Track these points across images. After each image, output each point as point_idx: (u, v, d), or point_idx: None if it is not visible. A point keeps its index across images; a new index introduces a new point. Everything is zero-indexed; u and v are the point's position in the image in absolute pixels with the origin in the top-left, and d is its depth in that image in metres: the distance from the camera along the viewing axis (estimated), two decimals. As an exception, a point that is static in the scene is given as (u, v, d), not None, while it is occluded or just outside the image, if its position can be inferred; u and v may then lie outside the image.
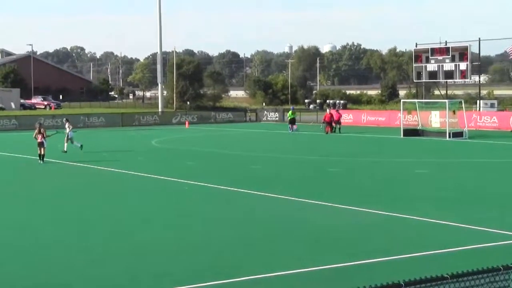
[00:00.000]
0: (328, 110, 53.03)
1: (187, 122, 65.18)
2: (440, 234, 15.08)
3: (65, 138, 34.50)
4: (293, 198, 19.96)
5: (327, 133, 49.36)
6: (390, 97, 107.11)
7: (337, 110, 56.99)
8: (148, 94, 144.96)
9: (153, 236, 15.17)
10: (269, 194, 20.77)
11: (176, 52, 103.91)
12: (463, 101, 49.19)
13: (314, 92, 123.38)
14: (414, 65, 51.27)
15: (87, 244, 14.48)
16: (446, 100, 46.31)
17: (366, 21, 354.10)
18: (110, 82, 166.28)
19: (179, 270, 12.22)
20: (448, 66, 47.79)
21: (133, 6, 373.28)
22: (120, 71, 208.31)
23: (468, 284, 6.14)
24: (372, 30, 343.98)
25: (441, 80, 50.28)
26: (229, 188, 22.30)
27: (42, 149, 30.36)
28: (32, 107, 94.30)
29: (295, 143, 42.94)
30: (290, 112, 55.24)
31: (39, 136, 30.32)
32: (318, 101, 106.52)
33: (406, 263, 12.51)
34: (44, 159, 30.54)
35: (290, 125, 53.33)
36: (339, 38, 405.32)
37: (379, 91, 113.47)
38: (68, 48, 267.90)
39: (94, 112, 77.22)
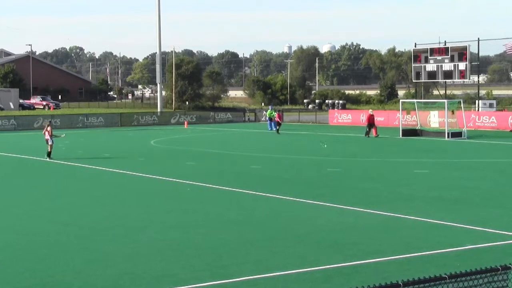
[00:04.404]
0: (370, 111, 48.71)
1: (186, 122, 65.21)
2: (439, 234, 15.10)
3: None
4: (293, 198, 19.99)
5: (375, 136, 44.75)
6: (389, 97, 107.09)
7: (279, 111, 55.31)
8: (147, 94, 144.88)
9: (153, 237, 15.20)
10: (269, 194, 20.81)
11: (175, 52, 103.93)
12: (462, 101, 49.23)
13: (313, 92, 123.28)
14: (413, 65, 51.32)
15: (87, 245, 14.50)
16: (445, 100, 46.36)
17: (365, 21, 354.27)
18: (109, 82, 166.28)
19: (179, 270, 12.25)
20: (447, 66, 47.84)
21: (132, 6, 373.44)
22: (119, 71, 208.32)
23: (466, 284, 6.17)
24: (371, 30, 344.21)
25: (440, 80, 50.33)
26: (229, 188, 22.33)
27: (47, 146, 32.10)
28: (31, 107, 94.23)
29: (294, 143, 42.93)
30: (269, 111, 55.66)
31: (46, 133, 32.03)
32: (317, 101, 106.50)
33: (405, 263, 12.54)
34: (50, 156, 32.01)
35: (269, 122, 53.98)
36: (338, 38, 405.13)
37: (378, 91, 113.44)
38: (67, 48, 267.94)
39: (93, 112, 77.25)
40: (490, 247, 13.82)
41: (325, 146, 34.44)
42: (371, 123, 45.63)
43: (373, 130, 45.28)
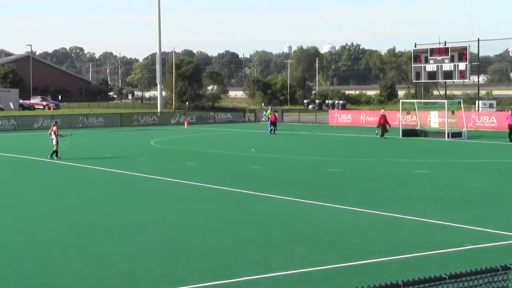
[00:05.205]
0: (382, 111, 47.69)
1: (186, 123, 65.21)
2: (439, 234, 15.09)
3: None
4: (293, 199, 19.97)
5: (382, 137, 44.37)
6: (389, 97, 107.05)
7: (275, 111, 53.50)
8: (147, 94, 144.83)
9: (152, 237, 15.18)
10: (269, 194, 20.79)
11: (175, 52, 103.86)
12: (462, 101, 49.23)
13: (313, 92, 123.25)
14: (413, 65, 51.29)
15: (86, 245, 14.49)
16: (445, 100, 46.35)
17: (365, 21, 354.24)
18: (109, 82, 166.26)
19: (178, 271, 12.24)
20: (447, 66, 47.82)
21: (132, 6, 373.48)
22: (119, 71, 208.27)
23: (466, 285, 6.16)
24: (371, 30, 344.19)
25: (440, 81, 50.31)
26: (228, 188, 22.31)
27: (53, 146, 32.28)
28: (31, 107, 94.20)
29: (294, 143, 42.94)
30: (269, 111, 54.30)
31: (52, 134, 32.27)
32: (317, 101, 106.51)
33: (405, 264, 12.52)
34: (53, 156, 32.13)
35: (269, 123, 52.46)
36: (338, 38, 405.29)
37: (378, 92, 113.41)
38: (67, 48, 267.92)
39: (93, 112, 77.25)
40: (490, 247, 13.80)
41: (253, 150, 34.71)
42: (383, 123, 45.03)
43: (381, 131, 44.87)
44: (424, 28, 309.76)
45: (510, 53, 60.68)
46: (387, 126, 45.05)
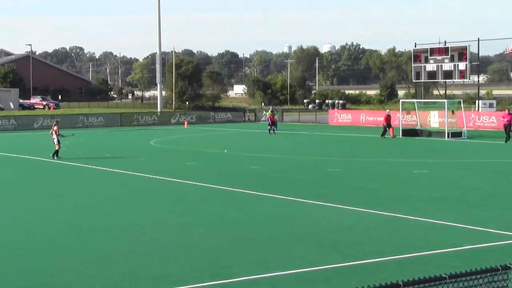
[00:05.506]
0: (387, 111, 47.17)
1: (186, 122, 65.20)
2: (439, 234, 15.09)
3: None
4: (293, 198, 19.97)
5: (392, 136, 44.23)
6: (389, 97, 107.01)
7: (272, 112, 51.92)
8: (147, 94, 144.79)
9: (152, 237, 15.18)
10: (269, 194, 20.79)
11: (175, 52, 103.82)
12: (462, 101, 49.22)
13: (313, 92, 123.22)
14: (413, 65, 51.28)
15: (86, 245, 14.49)
16: (445, 100, 46.34)
17: (365, 21, 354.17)
18: (109, 82, 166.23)
19: (178, 270, 12.24)
20: (447, 66, 47.81)
21: (132, 6, 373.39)
22: (119, 71, 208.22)
23: (466, 284, 6.16)
24: (371, 30, 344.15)
25: (440, 80, 50.30)
26: (229, 188, 22.31)
27: (55, 145, 32.40)
28: (31, 107, 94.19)
29: (294, 143, 42.94)
30: (269, 111, 53.29)
31: (53, 133, 32.38)
32: (317, 101, 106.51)
33: (405, 263, 12.52)
34: (55, 155, 32.25)
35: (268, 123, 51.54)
36: (338, 38, 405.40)
37: (378, 91, 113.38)
38: (67, 48, 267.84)
39: (93, 112, 77.23)
40: (490, 247, 13.80)
41: (226, 151, 34.91)
42: (388, 123, 44.91)
43: (390, 131, 44.69)
44: (424, 28, 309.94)
45: (507, 50, 60.57)
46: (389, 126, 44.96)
